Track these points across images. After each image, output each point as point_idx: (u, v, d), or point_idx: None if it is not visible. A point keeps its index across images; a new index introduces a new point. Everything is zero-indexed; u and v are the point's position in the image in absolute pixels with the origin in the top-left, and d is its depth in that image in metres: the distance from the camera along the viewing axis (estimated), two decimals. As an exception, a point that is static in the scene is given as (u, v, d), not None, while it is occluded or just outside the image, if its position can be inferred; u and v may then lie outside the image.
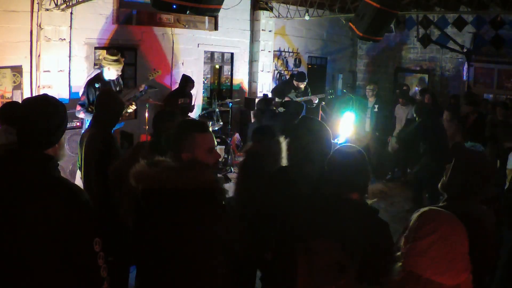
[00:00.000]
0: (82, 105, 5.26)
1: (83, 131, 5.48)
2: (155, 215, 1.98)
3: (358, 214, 1.98)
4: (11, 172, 1.75)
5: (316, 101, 8.17)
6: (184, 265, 1.97)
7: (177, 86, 7.74)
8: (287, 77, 10.02)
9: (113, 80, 5.49)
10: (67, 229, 1.71)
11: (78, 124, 5.92)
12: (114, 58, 5.36)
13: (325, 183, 2.09)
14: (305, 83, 8.09)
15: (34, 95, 6.27)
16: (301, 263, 1.98)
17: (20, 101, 5.74)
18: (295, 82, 8.07)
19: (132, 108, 5.64)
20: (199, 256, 1.95)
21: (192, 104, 7.69)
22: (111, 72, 5.38)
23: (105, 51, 7.18)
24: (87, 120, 5.36)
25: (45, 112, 1.82)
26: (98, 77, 5.45)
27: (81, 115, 5.32)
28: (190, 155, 1.99)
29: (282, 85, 8.56)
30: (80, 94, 5.45)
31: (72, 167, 5.74)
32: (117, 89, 5.56)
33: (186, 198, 1.90)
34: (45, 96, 1.97)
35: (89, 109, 5.23)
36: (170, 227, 1.94)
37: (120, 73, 5.57)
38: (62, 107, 1.91)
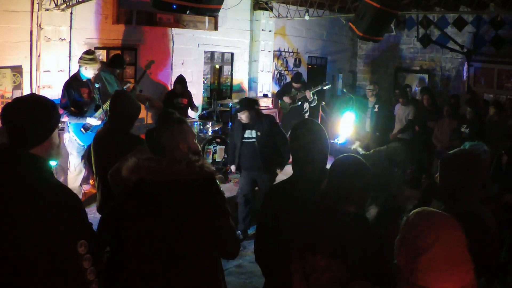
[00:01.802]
0: (64, 107, 5.26)
1: (64, 134, 5.49)
2: (152, 207, 2.05)
3: (356, 227, 1.95)
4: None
5: (311, 96, 8.13)
6: (185, 256, 2.05)
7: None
8: (287, 77, 10.08)
9: (89, 80, 5.48)
10: (50, 230, 1.69)
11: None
12: (90, 57, 5.40)
13: (323, 195, 2.07)
14: (299, 84, 8.27)
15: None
16: (298, 280, 1.94)
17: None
18: (293, 84, 8.42)
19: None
20: (197, 247, 2.07)
21: (193, 104, 7.70)
22: (88, 71, 5.40)
23: (105, 51, 7.20)
24: (70, 123, 5.38)
25: (26, 112, 1.82)
26: (75, 78, 5.47)
27: (65, 118, 5.33)
28: (186, 144, 2.19)
29: (283, 87, 8.85)
30: (60, 97, 5.43)
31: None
32: (92, 88, 5.49)
33: (188, 188, 2.04)
34: (30, 95, 2.00)
35: (71, 110, 5.28)
36: (171, 218, 2.04)
37: (96, 72, 5.57)
38: (48, 106, 1.90)
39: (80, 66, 5.44)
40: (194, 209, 2.07)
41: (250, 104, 5.25)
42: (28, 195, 1.70)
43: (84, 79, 5.43)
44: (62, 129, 5.56)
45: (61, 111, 5.30)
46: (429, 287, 1.56)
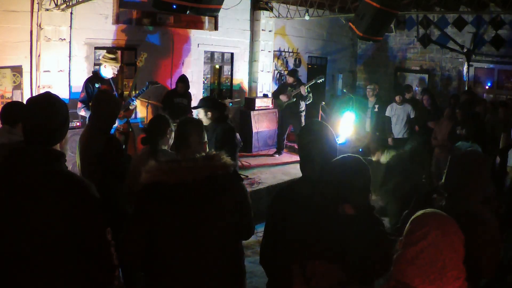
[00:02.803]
0: (82, 101, 5.34)
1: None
2: (185, 205, 2.10)
3: (356, 230, 1.93)
4: (23, 169, 1.78)
5: (305, 91, 8.10)
6: (214, 246, 2.15)
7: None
8: (287, 77, 10.10)
9: (112, 78, 5.54)
10: (81, 221, 1.78)
11: (78, 124, 5.95)
12: (112, 56, 5.44)
13: (322, 196, 2.07)
14: (292, 78, 8.34)
15: (35, 94, 6.27)
16: (298, 285, 1.94)
17: (20, 101, 5.76)
18: (287, 80, 8.50)
19: (132, 106, 5.65)
20: (226, 237, 2.20)
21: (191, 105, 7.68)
22: (107, 70, 5.44)
23: (104, 51, 7.20)
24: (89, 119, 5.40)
25: (50, 110, 1.87)
26: (96, 75, 5.53)
27: (82, 112, 5.38)
28: (206, 142, 2.36)
29: (279, 87, 8.88)
30: (80, 91, 5.54)
31: (72, 166, 5.71)
32: (115, 87, 5.57)
33: (218, 182, 2.14)
34: (48, 94, 2.00)
35: (89, 105, 5.28)
36: (203, 212, 2.12)
37: (116, 72, 5.61)
38: (64, 104, 1.98)
39: (100, 64, 5.51)
40: (221, 203, 2.17)
41: (211, 104, 4.54)
42: (57, 189, 1.78)
43: (105, 78, 5.48)
44: (80, 127, 5.67)
45: (79, 104, 5.40)
46: (409, 283, 1.53)
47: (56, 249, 1.75)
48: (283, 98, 8.35)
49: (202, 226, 2.12)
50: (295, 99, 8.27)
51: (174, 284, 2.13)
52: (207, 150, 2.33)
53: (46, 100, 1.92)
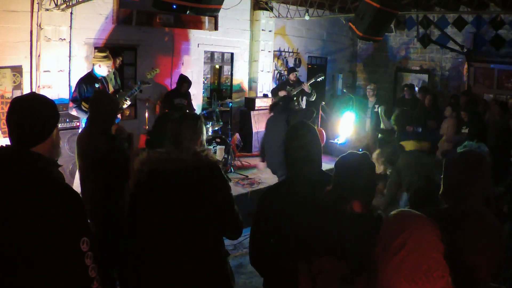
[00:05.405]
0: (74, 100, 5.38)
1: (80, 130, 5.53)
2: (162, 194, 2.25)
3: (361, 228, 1.92)
4: (0, 170, 1.75)
5: (309, 88, 8.06)
6: (192, 237, 2.26)
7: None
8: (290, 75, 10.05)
9: (104, 77, 5.57)
10: (54, 228, 1.71)
11: (78, 124, 5.95)
12: (104, 54, 5.49)
13: (326, 194, 2.05)
14: (294, 73, 8.32)
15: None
16: (304, 283, 1.94)
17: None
18: (289, 77, 8.46)
19: (126, 104, 5.65)
20: (203, 229, 2.29)
21: (192, 107, 7.68)
22: (103, 69, 5.49)
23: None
24: (83, 119, 5.42)
25: (28, 109, 1.82)
26: (90, 75, 5.55)
27: (74, 112, 5.44)
28: (201, 138, 2.45)
29: (278, 85, 8.86)
30: (73, 91, 5.57)
31: (72, 167, 5.74)
32: (109, 86, 5.62)
33: (194, 175, 2.26)
34: (32, 93, 2.01)
35: (82, 106, 5.33)
36: (180, 203, 2.25)
37: (111, 69, 5.68)
38: (48, 104, 1.91)
39: (93, 65, 5.54)
40: (200, 194, 2.27)
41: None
42: (29, 192, 1.71)
43: (99, 77, 5.52)
44: (79, 127, 5.66)
45: (71, 104, 5.45)
46: None
47: (30, 258, 1.68)
48: (282, 94, 8.31)
49: (173, 215, 2.24)
50: (295, 98, 8.25)
51: (152, 268, 2.25)
52: (201, 144, 2.42)
53: (26, 100, 1.89)
